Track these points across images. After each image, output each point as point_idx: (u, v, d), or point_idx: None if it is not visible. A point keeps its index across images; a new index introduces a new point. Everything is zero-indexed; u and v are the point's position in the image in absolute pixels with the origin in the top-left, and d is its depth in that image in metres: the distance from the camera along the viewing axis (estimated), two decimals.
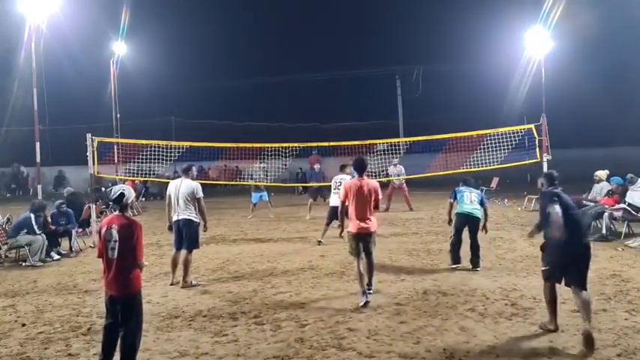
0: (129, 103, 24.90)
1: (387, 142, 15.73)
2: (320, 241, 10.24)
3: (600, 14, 23.04)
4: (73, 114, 28.10)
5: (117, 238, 4.37)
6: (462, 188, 8.18)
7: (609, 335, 4.98)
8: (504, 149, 13.44)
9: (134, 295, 4.44)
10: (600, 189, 11.31)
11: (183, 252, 7.28)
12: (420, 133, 16.51)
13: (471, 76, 29.78)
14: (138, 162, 14.90)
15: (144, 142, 14.26)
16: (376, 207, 6.61)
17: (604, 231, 9.95)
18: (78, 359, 4.86)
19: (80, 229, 11.60)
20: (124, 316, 4.37)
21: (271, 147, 15.30)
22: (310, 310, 6.05)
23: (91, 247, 10.68)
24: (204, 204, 7.46)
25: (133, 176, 17.90)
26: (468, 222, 7.92)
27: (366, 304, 6.15)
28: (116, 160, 18.67)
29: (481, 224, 8.03)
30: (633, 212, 9.99)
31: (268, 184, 15.50)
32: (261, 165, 15.70)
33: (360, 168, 6.64)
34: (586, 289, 4.99)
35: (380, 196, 6.65)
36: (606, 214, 10.12)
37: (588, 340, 4.65)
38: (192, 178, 7.52)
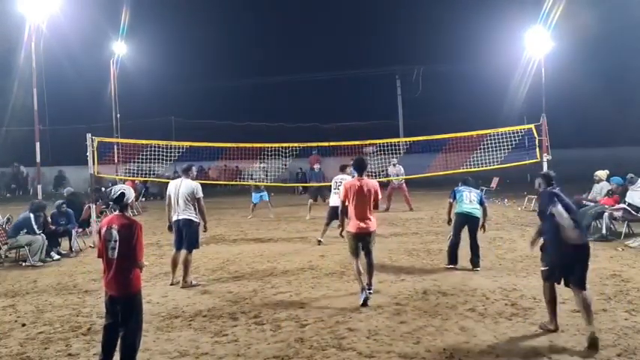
0: (129, 103, 24.90)
1: (386, 142, 15.72)
2: (320, 241, 10.25)
3: (600, 14, 23.05)
4: (73, 114, 28.11)
5: (117, 238, 4.37)
6: (461, 188, 8.18)
7: (609, 335, 4.98)
8: (504, 149, 13.45)
9: (134, 295, 4.44)
10: (600, 189, 11.31)
11: (183, 252, 7.28)
12: (420, 133, 16.51)
13: (471, 76, 29.80)
14: (138, 162, 14.90)
15: (144, 142, 14.26)
16: (376, 207, 6.62)
17: (604, 231, 9.95)
18: (78, 359, 4.86)
19: (80, 229, 11.60)
20: (123, 316, 4.37)
21: (271, 147, 15.30)
22: (310, 310, 6.05)
23: (91, 247, 10.68)
24: (204, 204, 7.46)
25: (133, 176, 17.90)
26: (468, 222, 7.92)
27: (365, 300, 6.17)
28: (116, 160, 18.67)
29: (480, 223, 8.03)
30: (633, 212, 9.99)
31: (268, 184, 15.51)
32: (261, 165, 15.71)
33: (360, 168, 6.66)
34: (586, 289, 5.00)
35: (380, 196, 6.67)
36: (606, 214, 10.11)
37: (593, 343, 4.66)
38: (192, 178, 7.52)
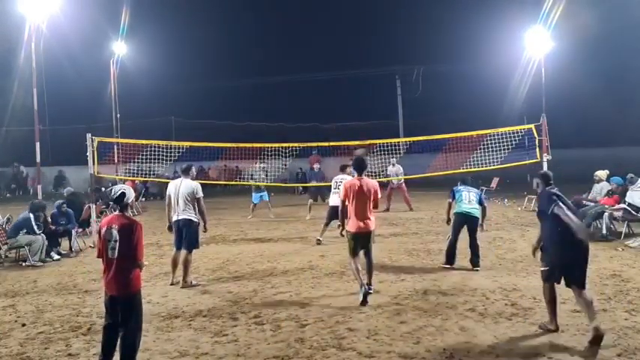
0: (129, 103, 24.90)
1: (385, 142, 15.72)
2: (319, 240, 10.26)
3: (600, 14, 23.05)
4: (73, 114, 28.13)
5: (117, 238, 4.36)
6: (460, 188, 8.18)
7: (609, 335, 4.97)
8: (504, 149, 13.45)
9: (134, 295, 4.44)
10: (600, 189, 11.30)
11: (183, 252, 7.28)
12: (420, 133, 16.53)
13: (471, 76, 29.81)
14: (138, 162, 14.90)
15: (144, 142, 14.26)
16: (375, 206, 6.67)
17: (604, 231, 9.95)
18: (78, 359, 4.86)
19: (80, 229, 11.60)
20: (123, 316, 4.36)
21: (271, 147, 15.31)
22: (310, 310, 6.05)
23: (91, 247, 10.68)
24: (204, 204, 7.46)
25: (133, 176, 17.90)
26: (467, 222, 7.92)
27: (365, 296, 6.22)
28: (116, 160, 18.67)
29: (479, 223, 8.04)
30: (633, 212, 9.98)
31: (268, 184, 15.51)
32: (262, 165, 15.72)
33: (360, 167, 6.71)
34: (585, 288, 5.01)
35: (379, 196, 6.72)
36: (606, 214, 10.11)
37: (598, 335, 4.65)
38: (192, 178, 7.52)
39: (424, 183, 20.05)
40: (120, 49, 23.35)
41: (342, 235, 6.86)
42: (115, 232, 4.38)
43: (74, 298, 6.94)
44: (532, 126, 12.43)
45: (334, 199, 9.99)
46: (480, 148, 14.01)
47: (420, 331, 5.27)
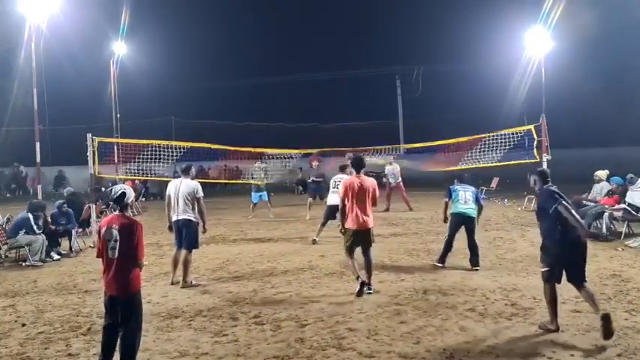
0: (129, 103, 24.91)
1: (385, 148, 15.83)
2: (315, 240, 10.26)
3: (600, 14, 23.05)
4: (73, 114, 28.15)
5: (117, 238, 4.36)
6: (456, 187, 8.15)
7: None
8: (503, 149, 13.46)
9: (134, 295, 4.43)
10: (600, 189, 11.30)
11: (183, 252, 7.28)
12: (420, 133, 16.62)
13: (471, 76, 29.82)
14: (138, 162, 14.90)
15: (144, 142, 14.26)
16: (374, 203, 6.81)
17: (604, 231, 9.95)
18: (78, 359, 4.86)
19: (80, 229, 11.60)
20: (123, 316, 4.36)
21: (272, 152, 15.42)
22: (310, 310, 6.05)
23: (90, 247, 10.67)
24: (204, 204, 7.46)
25: (133, 176, 17.89)
26: (464, 222, 7.93)
27: (361, 288, 6.44)
28: (116, 160, 18.67)
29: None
30: (633, 212, 9.98)
31: (268, 181, 15.51)
32: (262, 165, 15.72)
33: (358, 166, 6.87)
34: (586, 281, 5.12)
35: (377, 193, 6.84)
36: (606, 214, 10.11)
37: (607, 323, 4.72)
38: (192, 178, 7.52)
39: (424, 183, 20.06)
40: (120, 49, 23.35)
41: (342, 233, 6.90)
42: (115, 232, 4.38)
43: (74, 298, 6.94)
44: (532, 127, 12.43)
45: (332, 199, 9.99)
46: (479, 149, 14.03)
47: (420, 331, 5.27)
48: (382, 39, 35.46)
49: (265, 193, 14.98)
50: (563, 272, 5.17)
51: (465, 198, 7.96)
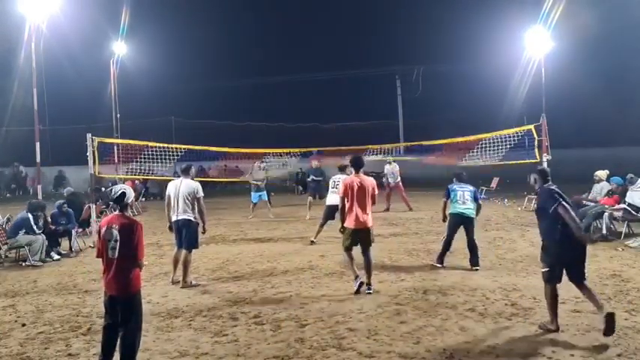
0: (129, 103, 24.92)
1: (386, 147, 15.85)
2: (312, 241, 10.26)
3: (600, 14, 23.05)
4: (73, 114, 28.16)
5: (117, 238, 4.36)
6: (455, 186, 8.13)
7: (609, 335, 4.97)
8: (505, 148, 13.48)
9: (134, 295, 4.43)
10: (600, 189, 11.30)
11: (184, 251, 7.28)
12: (420, 132, 16.61)
13: (471, 76, 29.83)
14: (138, 162, 14.91)
15: (144, 143, 14.26)
16: (373, 202, 6.87)
17: (604, 231, 9.95)
18: (78, 359, 4.86)
19: (80, 229, 11.60)
20: (123, 316, 4.36)
21: (272, 152, 15.42)
22: (310, 310, 6.05)
23: (90, 247, 10.67)
24: (204, 204, 7.46)
25: (134, 176, 17.89)
26: (463, 222, 7.93)
27: (359, 287, 6.56)
28: (116, 160, 18.68)
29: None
30: (633, 212, 9.98)
31: (269, 175, 15.54)
32: (262, 165, 15.72)
33: (358, 165, 6.92)
34: (586, 279, 5.16)
35: (376, 192, 6.89)
36: (606, 214, 10.11)
37: (610, 321, 4.78)
38: (192, 178, 7.52)
39: (424, 183, 20.06)
40: (120, 49, 23.35)
41: (342, 232, 6.92)
42: (115, 232, 4.37)
43: (74, 298, 6.94)
44: (532, 127, 12.44)
45: (332, 199, 10.00)
46: (478, 149, 14.05)
47: (420, 331, 5.27)
48: (382, 39, 35.50)
49: (265, 193, 14.98)
50: (564, 271, 5.18)
51: (463, 198, 7.95)
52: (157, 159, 14.30)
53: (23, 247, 9.34)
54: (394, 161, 16.37)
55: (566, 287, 5.35)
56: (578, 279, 5.15)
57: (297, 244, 10.56)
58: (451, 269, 7.85)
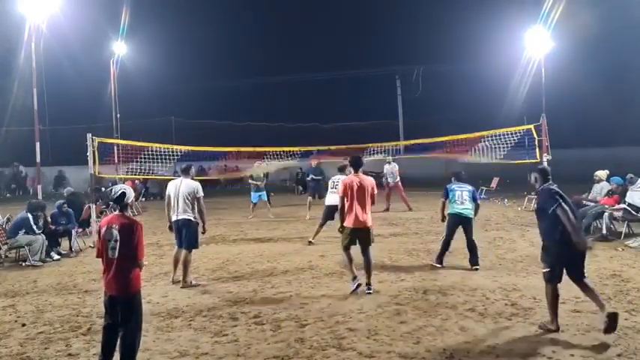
0: (129, 103, 24.92)
1: (385, 146, 15.85)
2: (311, 241, 10.26)
3: (600, 14, 23.05)
4: (73, 114, 28.18)
5: (117, 238, 4.36)
6: (453, 186, 8.12)
7: (609, 335, 4.97)
8: (505, 147, 13.48)
9: (134, 295, 4.43)
10: (600, 189, 11.30)
11: (184, 251, 7.28)
12: (420, 133, 16.59)
13: (471, 76, 29.84)
14: (138, 162, 14.91)
15: (144, 144, 14.27)
16: (373, 202, 6.88)
17: (604, 231, 9.94)
18: (78, 359, 4.86)
19: (80, 229, 11.60)
20: (123, 316, 4.36)
21: (272, 151, 15.43)
22: (310, 310, 6.05)
23: (90, 247, 10.67)
24: (204, 204, 7.46)
25: (134, 176, 17.89)
26: (461, 222, 7.93)
27: (356, 288, 6.57)
28: (116, 160, 18.68)
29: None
30: (633, 212, 9.98)
31: (269, 170, 15.54)
32: (262, 165, 15.72)
33: (357, 165, 6.94)
34: (585, 277, 5.20)
35: (375, 192, 6.90)
36: (606, 214, 10.11)
37: (612, 321, 4.82)
38: (192, 178, 7.52)
39: (423, 183, 20.06)
40: (120, 49, 23.35)
41: (341, 232, 6.92)
42: (115, 232, 4.37)
43: (74, 298, 6.94)
44: (532, 126, 12.44)
45: (331, 199, 9.99)
46: (478, 148, 14.05)
47: (420, 331, 5.27)
48: (382, 39, 35.53)
49: (264, 193, 14.99)
50: (564, 271, 5.19)
51: (461, 198, 7.94)
52: (157, 159, 14.30)
53: (23, 247, 9.34)
54: (393, 161, 16.38)
55: (566, 287, 5.35)
56: (578, 277, 5.18)
57: (297, 244, 10.56)
58: (451, 269, 7.85)
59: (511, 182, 20.22)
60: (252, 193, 14.99)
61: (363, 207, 6.70)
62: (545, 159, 11.66)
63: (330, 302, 6.36)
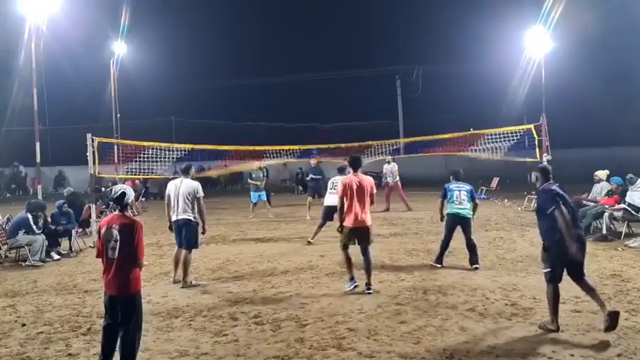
0: (129, 103, 24.93)
1: (385, 144, 15.83)
2: (310, 242, 10.26)
3: (600, 14, 23.07)
4: (73, 114, 28.19)
5: (117, 238, 4.36)
6: (452, 186, 8.12)
7: (609, 335, 4.97)
8: (504, 148, 13.49)
9: (134, 295, 4.43)
10: (600, 189, 11.30)
11: (184, 251, 7.28)
12: (420, 133, 16.58)
13: (471, 76, 29.86)
14: (138, 162, 14.91)
15: (144, 143, 14.26)
16: (372, 202, 6.89)
17: (604, 231, 9.94)
18: (78, 359, 4.86)
19: (80, 229, 11.59)
20: (123, 316, 4.36)
21: (272, 149, 15.44)
22: (310, 310, 6.04)
23: (90, 247, 10.66)
24: (204, 204, 7.46)
25: (134, 176, 17.89)
26: (460, 222, 7.93)
27: (354, 288, 6.63)
28: (116, 160, 18.68)
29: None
30: (633, 212, 9.98)
31: (268, 166, 15.54)
32: (262, 165, 15.72)
33: (356, 165, 6.96)
34: (585, 276, 5.23)
35: (375, 191, 6.92)
36: (606, 214, 10.11)
37: (613, 320, 4.87)
38: (192, 178, 7.52)
39: (423, 183, 20.06)
40: (120, 49, 23.35)
41: (340, 232, 6.92)
42: (115, 232, 4.37)
43: (74, 298, 6.94)
44: (532, 126, 12.45)
45: (330, 199, 9.98)
46: (478, 147, 14.05)
47: (420, 331, 5.27)
48: (382, 39, 35.55)
49: (264, 193, 14.99)
50: (564, 271, 5.20)
51: (459, 198, 7.94)
52: (156, 159, 14.30)
53: (23, 247, 9.33)
54: (393, 161, 16.39)
55: (566, 287, 5.35)
56: (577, 276, 5.19)
57: (297, 244, 10.56)
58: (451, 269, 7.85)
59: (511, 182, 20.25)
60: (251, 193, 15.00)
61: (363, 207, 6.71)
62: (545, 159, 11.65)
63: (330, 302, 6.36)
